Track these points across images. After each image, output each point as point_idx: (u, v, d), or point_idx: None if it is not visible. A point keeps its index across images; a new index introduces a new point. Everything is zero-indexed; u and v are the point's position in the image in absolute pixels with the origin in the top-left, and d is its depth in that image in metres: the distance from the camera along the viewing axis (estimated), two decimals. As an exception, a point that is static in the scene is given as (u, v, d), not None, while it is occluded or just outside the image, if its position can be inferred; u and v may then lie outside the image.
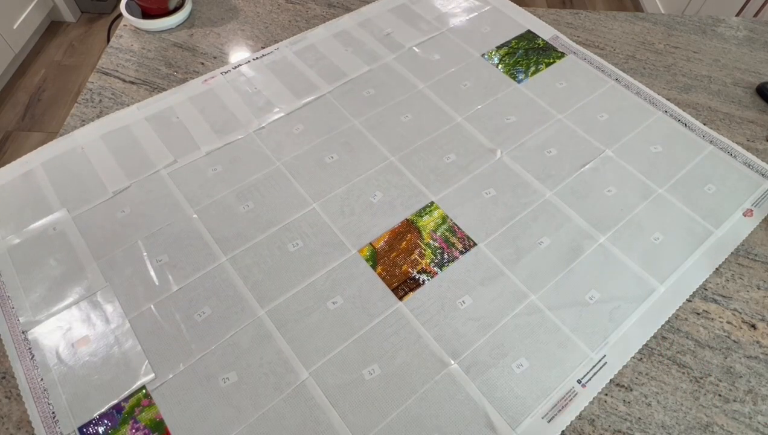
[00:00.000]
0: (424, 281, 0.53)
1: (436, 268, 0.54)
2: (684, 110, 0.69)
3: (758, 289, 0.54)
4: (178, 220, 0.57)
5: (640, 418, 0.46)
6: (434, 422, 0.45)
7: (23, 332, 0.49)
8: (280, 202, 0.59)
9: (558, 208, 0.59)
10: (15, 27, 1.81)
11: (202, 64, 0.74)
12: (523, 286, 0.53)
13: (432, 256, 0.55)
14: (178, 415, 0.45)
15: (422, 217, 0.58)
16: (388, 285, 0.53)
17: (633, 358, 0.49)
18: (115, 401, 0.45)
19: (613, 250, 0.56)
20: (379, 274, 0.53)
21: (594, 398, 0.47)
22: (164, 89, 0.70)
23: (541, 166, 0.62)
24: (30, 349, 0.48)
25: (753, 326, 0.52)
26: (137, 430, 0.44)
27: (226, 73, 0.71)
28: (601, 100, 0.70)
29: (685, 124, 0.67)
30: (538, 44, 0.76)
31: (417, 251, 0.55)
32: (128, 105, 0.68)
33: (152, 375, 0.47)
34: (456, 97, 0.69)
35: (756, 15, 1.66)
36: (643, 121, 0.67)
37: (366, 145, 0.64)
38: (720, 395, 0.48)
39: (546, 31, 0.78)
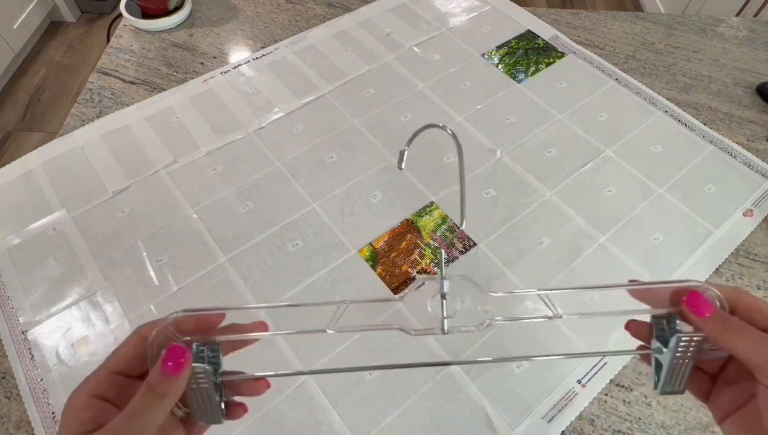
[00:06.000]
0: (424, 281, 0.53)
1: (436, 268, 0.54)
2: (684, 110, 0.69)
3: (758, 289, 0.54)
4: (178, 220, 0.57)
5: (640, 418, 0.46)
6: (434, 422, 0.45)
7: (23, 332, 0.49)
8: (280, 202, 0.59)
9: (558, 208, 0.59)
10: (15, 27, 1.81)
11: (202, 64, 0.74)
12: (523, 286, 0.53)
13: (432, 256, 0.55)
14: (178, 415, 0.45)
15: (422, 217, 0.58)
16: (388, 285, 0.53)
17: (633, 358, 0.49)
18: (115, 401, 0.45)
19: (613, 250, 0.56)
20: (379, 274, 0.53)
21: (594, 398, 0.47)
22: (164, 89, 0.70)
23: (541, 166, 0.62)
24: (30, 349, 0.48)
25: (753, 326, 0.52)
26: None
27: (225, 73, 0.71)
28: (601, 100, 0.70)
29: (685, 124, 0.67)
30: (538, 44, 0.76)
31: (417, 251, 0.55)
32: (128, 105, 0.68)
33: (152, 375, 0.46)
34: (456, 97, 0.69)
35: (756, 15, 1.66)
36: (643, 121, 0.67)
37: (366, 145, 0.64)
38: (720, 395, 0.48)
39: (546, 31, 0.78)
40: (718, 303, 0.26)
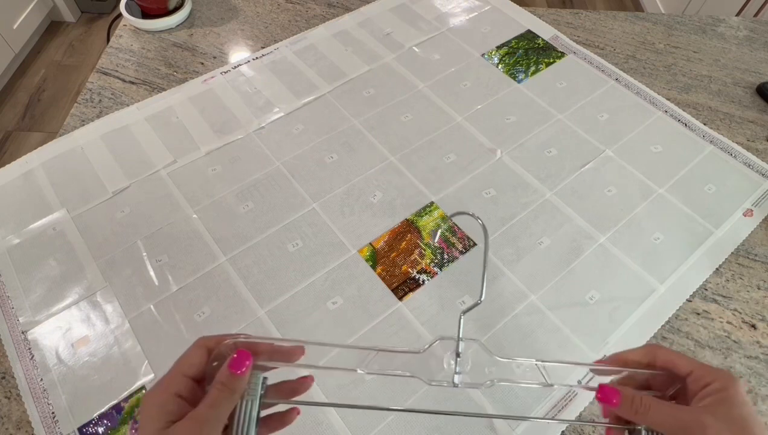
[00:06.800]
0: (424, 281, 0.53)
1: (436, 268, 0.54)
2: (684, 110, 0.69)
3: (758, 289, 0.54)
4: (178, 220, 0.57)
5: (640, 418, 0.46)
6: (434, 422, 0.45)
7: (23, 332, 0.49)
8: (279, 202, 0.58)
9: (558, 208, 0.59)
10: (15, 27, 1.81)
11: (202, 64, 0.74)
12: (523, 286, 0.53)
13: (432, 256, 0.55)
14: (177, 415, 0.45)
15: (422, 217, 0.58)
16: (388, 285, 0.53)
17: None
18: (115, 401, 0.45)
19: (613, 250, 0.56)
20: (379, 274, 0.53)
21: (594, 398, 0.47)
22: (164, 89, 0.70)
23: (541, 166, 0.62)
24: (30, 349, 0.48)
25: (753, 326, 0.52)
26: (137, 430, 0.44)
27: (225, 73, 0.71)
28: (601, 100, 0.70)
29: (685, 124, 0.67)
30: (538, 44, 0.76)
31: (417, 251, 0.55)
32: (128, 105, 0.68)
33: (152, 375, 0.47)
34: (456, 97, 0.69)
35: (756, 15, 1.66)
36: (643, 121, 0.67)
37: (366, 145, 0.64)
38: (720, 395, 0.48)
39: (546, 31, 0.78)
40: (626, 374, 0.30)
